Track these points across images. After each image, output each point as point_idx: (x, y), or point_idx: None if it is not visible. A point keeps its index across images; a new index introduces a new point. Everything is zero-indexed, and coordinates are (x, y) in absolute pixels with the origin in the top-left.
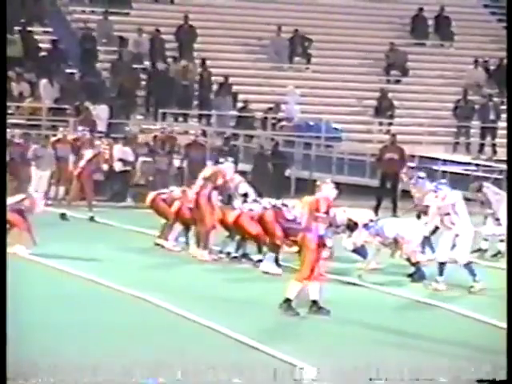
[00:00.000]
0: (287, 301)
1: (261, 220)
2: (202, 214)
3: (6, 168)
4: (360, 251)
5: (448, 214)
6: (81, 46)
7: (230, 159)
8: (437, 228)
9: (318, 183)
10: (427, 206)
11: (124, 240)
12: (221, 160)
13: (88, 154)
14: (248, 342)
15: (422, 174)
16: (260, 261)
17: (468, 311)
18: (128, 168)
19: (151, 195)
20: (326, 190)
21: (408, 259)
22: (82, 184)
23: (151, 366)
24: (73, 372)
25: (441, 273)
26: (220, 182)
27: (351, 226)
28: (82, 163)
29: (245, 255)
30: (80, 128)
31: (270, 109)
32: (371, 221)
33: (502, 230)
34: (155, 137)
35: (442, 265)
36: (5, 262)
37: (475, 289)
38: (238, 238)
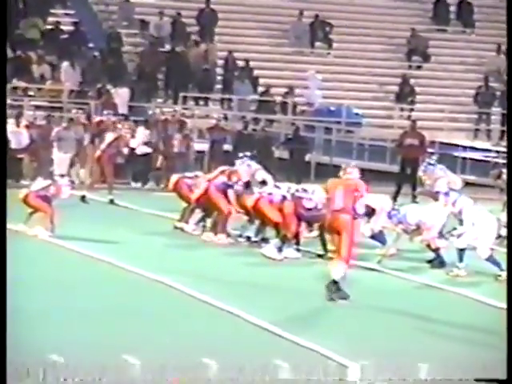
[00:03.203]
0: (335, 283)
1: (280, 211)
2: (214, 202)
3: (5, 168)
4: (378, 237)
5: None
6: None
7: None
8: None
9: (343, 166)
10: (437, 192)
11: (143, 223)
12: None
13: (109, 137)
14: (269, 327)
15: (432, 161)
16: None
17: (487, 298)
18: (150, 151)
19: (174, 178)
20: (355, 173)
21: (428, 245)
22: (102, 167)
23: (171, 354)
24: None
25: (460, 259)
26: (234, 180)
27: (369, 213)
28: (102, 146)
29: (264, 239)
30: (105, 112)
31: (287, 93)
32: (393, 209)
33: None
34: (165, 120)
35: (461, 251)
36: (5, 262)
37: (502, 277)
38: (257, 222)
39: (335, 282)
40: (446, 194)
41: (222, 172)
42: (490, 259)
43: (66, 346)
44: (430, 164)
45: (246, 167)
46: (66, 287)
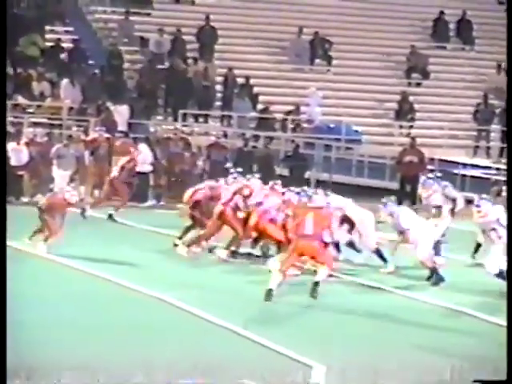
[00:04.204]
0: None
1: (283, 228)
2: (232, 226)
3: (5, 169)
4: (378, 254)
5: (494, 229)
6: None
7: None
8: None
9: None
10: (438, 206)
11: (142, 240)
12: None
13: (122, 160)
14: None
15: (431, 175)
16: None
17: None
18: (150, 169)
19: (189, 192)
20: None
21: (422, 263)
22: (116, 188)
23: (162, 366)
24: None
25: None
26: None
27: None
28: (115, 169)
29: (265, 255)
30: (97, 128)
31: (290, 112)
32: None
33: None
34: (168, 138)
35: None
36: (5, 261)
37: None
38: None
39: (316, 283)
40: (439, 207)
41: (235, 193)
42: (501, 275)
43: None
44: (429, 178)
45: (258, 180)
46: (62, 302)
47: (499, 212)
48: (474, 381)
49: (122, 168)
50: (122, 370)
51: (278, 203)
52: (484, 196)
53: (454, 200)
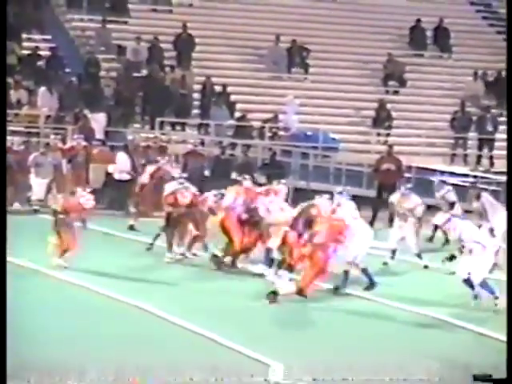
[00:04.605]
0: (274, 293)
1: (284, 240)
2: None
3: (5, 170)
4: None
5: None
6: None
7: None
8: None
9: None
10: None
11: (120, 248)
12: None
13: (150, 169)
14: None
15: (409, 185)
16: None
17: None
18: (128, 177)
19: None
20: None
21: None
22: (143, 197)
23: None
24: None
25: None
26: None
27: None
28: (145, 177)
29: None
30: (75, 136)
31: (268, 120)
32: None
33: (497, 241)
34: (148, 146)
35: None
36: (5, 263)
37: (499, 307)
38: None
39: (275, 293)
40: (453, 204)
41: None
42: (484, 285)
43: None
44: (407, 189)
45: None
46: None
47: (467, 228)
48: (474, 378)
49: (151, 176)
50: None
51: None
52: (454, 213)
53: (452, 204)
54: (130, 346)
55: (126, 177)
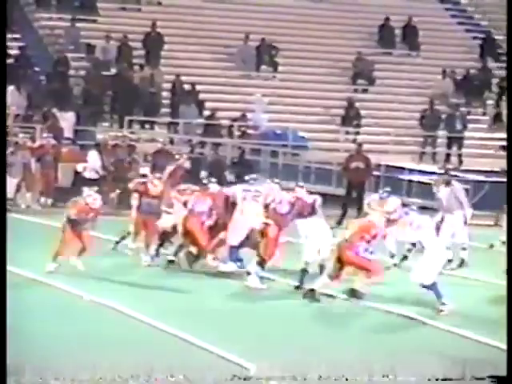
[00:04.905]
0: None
1: (265, 235)
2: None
3: (5, 169)
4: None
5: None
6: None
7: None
8: None
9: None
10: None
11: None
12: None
13: (168, 168)
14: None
15: (388, 188)
16: None
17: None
18: (97, 176)
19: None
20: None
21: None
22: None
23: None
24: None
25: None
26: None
27: None
28: (165, 176)
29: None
30: (44, 135)
31: (237, 118)
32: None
33: (457, 238)
34: (116, 145)
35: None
36: (5, 263)
37: (445, 312)
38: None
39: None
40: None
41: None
42: (433, 287)
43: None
44: (386, 191)
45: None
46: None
47: (425, 222)
48: (475, 378)
49: (170, 175)
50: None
51: (209, 205)
52: (413, 208)
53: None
54: (101, 346)
55: (94, 175)
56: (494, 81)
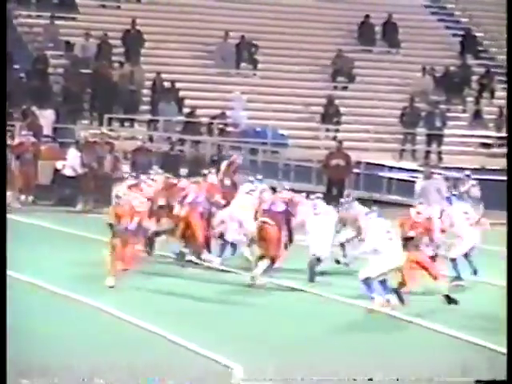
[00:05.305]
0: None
1: (268, 236)
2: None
3: (5, 168)
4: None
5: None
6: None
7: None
8: None
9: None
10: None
11: (70, 245)
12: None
13: (223, 164)
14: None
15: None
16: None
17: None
18: (73, 174)
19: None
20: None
21: None
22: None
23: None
24: None
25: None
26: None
27: None
28: (220, 174)
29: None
30: (23, 132)
31: (216, 116)
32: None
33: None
34: (95, 142)
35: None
36: (5, 260)
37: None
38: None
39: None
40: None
41: None
42: (365, 281)
43: None
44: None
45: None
46: None
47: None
48: (476, 381)
49: (224, 173)
50: None
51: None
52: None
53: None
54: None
55: (71, 173)
56: (474, 78)
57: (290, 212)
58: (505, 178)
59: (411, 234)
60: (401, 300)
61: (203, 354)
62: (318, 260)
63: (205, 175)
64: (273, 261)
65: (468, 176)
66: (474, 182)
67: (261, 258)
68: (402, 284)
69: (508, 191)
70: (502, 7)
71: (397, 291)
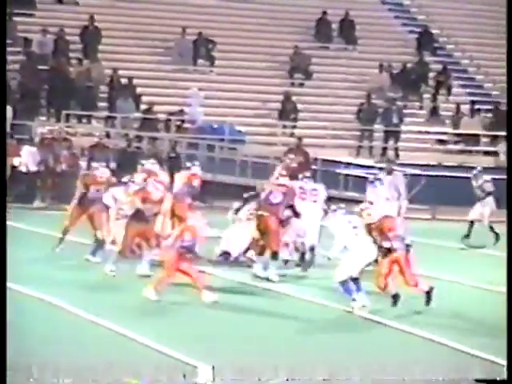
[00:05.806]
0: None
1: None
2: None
3: (5, 169)
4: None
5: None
6: None
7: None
8: None
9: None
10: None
11: (29, 242)
12: None
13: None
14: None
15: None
16: None
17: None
18: (25, 171)
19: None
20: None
21: None
22: None
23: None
24: None
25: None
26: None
27: None
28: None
29: None
30: None
31: (174, 113)
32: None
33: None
34: (52, 139)
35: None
36: (5, 262)
37: (355, 309)
38: None
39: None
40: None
41: None
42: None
43: None
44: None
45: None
46: None
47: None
48: (476, 380)
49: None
50: None
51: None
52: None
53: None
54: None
55: (34, 169)
56: (431, 75)
57: (286, 203)
58: (461, 174)
59: (386, 244)
60: (395, 303)
61: (170, 355)
62: (312, 249)
63: (188, 168)
64: (275, 253)
65: (480, 172)
66: (488, 178)
67: (260, 253)
68: (385, 287)
69: (508, 191)
70: (459, 4)
71: (394, 296)
